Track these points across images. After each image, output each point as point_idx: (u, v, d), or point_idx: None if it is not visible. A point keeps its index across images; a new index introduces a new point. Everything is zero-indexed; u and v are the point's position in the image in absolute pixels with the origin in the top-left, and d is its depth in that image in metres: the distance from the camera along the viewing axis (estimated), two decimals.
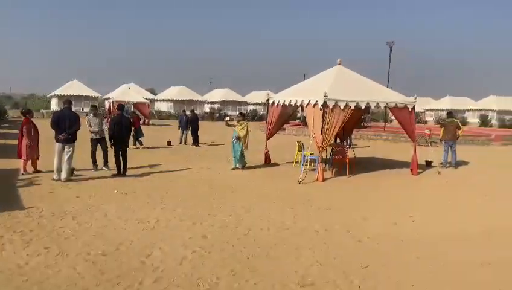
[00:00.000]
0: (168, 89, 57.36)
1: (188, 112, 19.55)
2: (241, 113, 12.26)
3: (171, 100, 52.92)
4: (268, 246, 5.49)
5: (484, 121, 52.30)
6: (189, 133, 18.72)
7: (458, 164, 13.88)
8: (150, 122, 34.43)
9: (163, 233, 5.95)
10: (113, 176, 10.14)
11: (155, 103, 54.38)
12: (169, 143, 18.32)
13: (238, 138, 11.46)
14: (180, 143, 18.70)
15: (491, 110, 55.30)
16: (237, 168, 11.63)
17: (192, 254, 5.14)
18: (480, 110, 56.31)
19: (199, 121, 19.24)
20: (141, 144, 16.65)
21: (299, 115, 33.74)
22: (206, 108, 54.59)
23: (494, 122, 52.69)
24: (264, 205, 7.73)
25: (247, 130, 11.55)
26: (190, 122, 18.60)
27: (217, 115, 48.73)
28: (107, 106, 36.40)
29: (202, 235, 5.91)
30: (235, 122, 11.88)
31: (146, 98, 39.99)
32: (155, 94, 60.74)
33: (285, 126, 28.50)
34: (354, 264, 4.95)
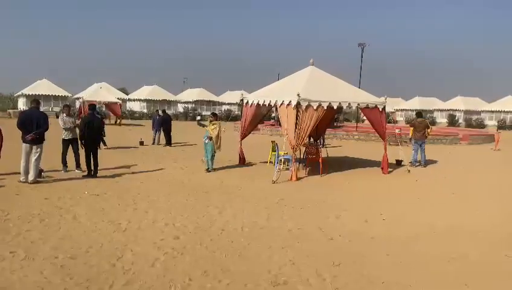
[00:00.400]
0: (141, 89, 56.56)
1: (160, 112, 19.36)
2: (213, 114, 12.12)
3: (144, 100, 52.25)
4: (242, 246, 5.49)
5: (452, 121, 54.10)
6: (162, 133, 18.52)
7: (427, 162, 14.28)
8: (122, 122, 33.76)
9: (135, 235, 5.86)
10: (84, 177, 9.90)
11: (127, 102, 53.52)
12: (141, 143, 18.05)
13: (210, 138, 11.33)
14: (153, 143, 18.46)
15: (458, 110, 57.30)
16: (208, 170, 11.45)
17: (164, 256, 5.09)
18: (448, 110, 58.24)
19: (172, 121, 19.09)
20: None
21: (273, 114, 33.90)
22: (180, 108, 54.11)
23: (461, 121, 54.58)
24: (238, 205, 7.73)
25: (219, 130, 11.43)
26: (163, 123, 18.40)
27: (191, 114, 48.40)
28: (77, 106, 35.50)
29: (174, 236, 5.85)
30: (207, 122, 11.78)
31: (118, 98, 39.26)
32: (127, 94, 59.80)
33: (259, 126, 28.63)
34: (326, 262, 5.01)
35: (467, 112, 56.64)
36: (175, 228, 6.24)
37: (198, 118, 12.33)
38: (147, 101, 51.86)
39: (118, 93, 50.64)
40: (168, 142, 18.18)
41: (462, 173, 13.16)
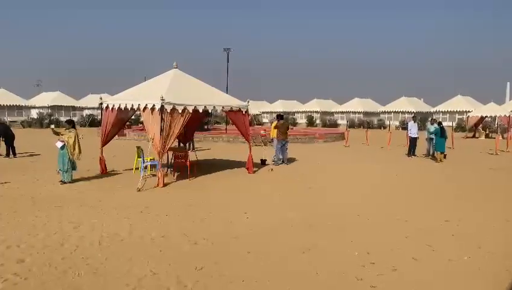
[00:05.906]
0: None
1: None
2: (68, 121, 11.05)
3: None
4: (98, 262, 5.09)
5: (310, 122, 59.40)
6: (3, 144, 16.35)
7: (289, 160, 15.35)
8: None
9: None
10: None
11: None
12: None
13: (63, 147, 10.26)
14: None
15: (315, 111, 63.17)
16: (64, 182, 10.37)
17: (3, 284, 4.43)
18: (307, 112, 63.82)
19: (12, 129, 17.11)
20: None
21: (142, 119, 32.64)
22: (34, 114, 48.40)
23: (318, 122, 60.30)
24: (97, 218, 7.17)
25: (75, 138, 10.43)
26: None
27: (47, 121, 43.71)
28: None
29: (18, 259, 5.14)
30: (62, 130, 10.69)
31: None
32: None
33: (126, 131, 27.29)
34: (189, 268, 4.95)
35: (322, 113, 62.80)
36: (19, 250, 5.50)
37: (52, 126, 11.08)
38: None
39: None
40: (12, 152, 16.15)
41: (318, 168, 14.46)
